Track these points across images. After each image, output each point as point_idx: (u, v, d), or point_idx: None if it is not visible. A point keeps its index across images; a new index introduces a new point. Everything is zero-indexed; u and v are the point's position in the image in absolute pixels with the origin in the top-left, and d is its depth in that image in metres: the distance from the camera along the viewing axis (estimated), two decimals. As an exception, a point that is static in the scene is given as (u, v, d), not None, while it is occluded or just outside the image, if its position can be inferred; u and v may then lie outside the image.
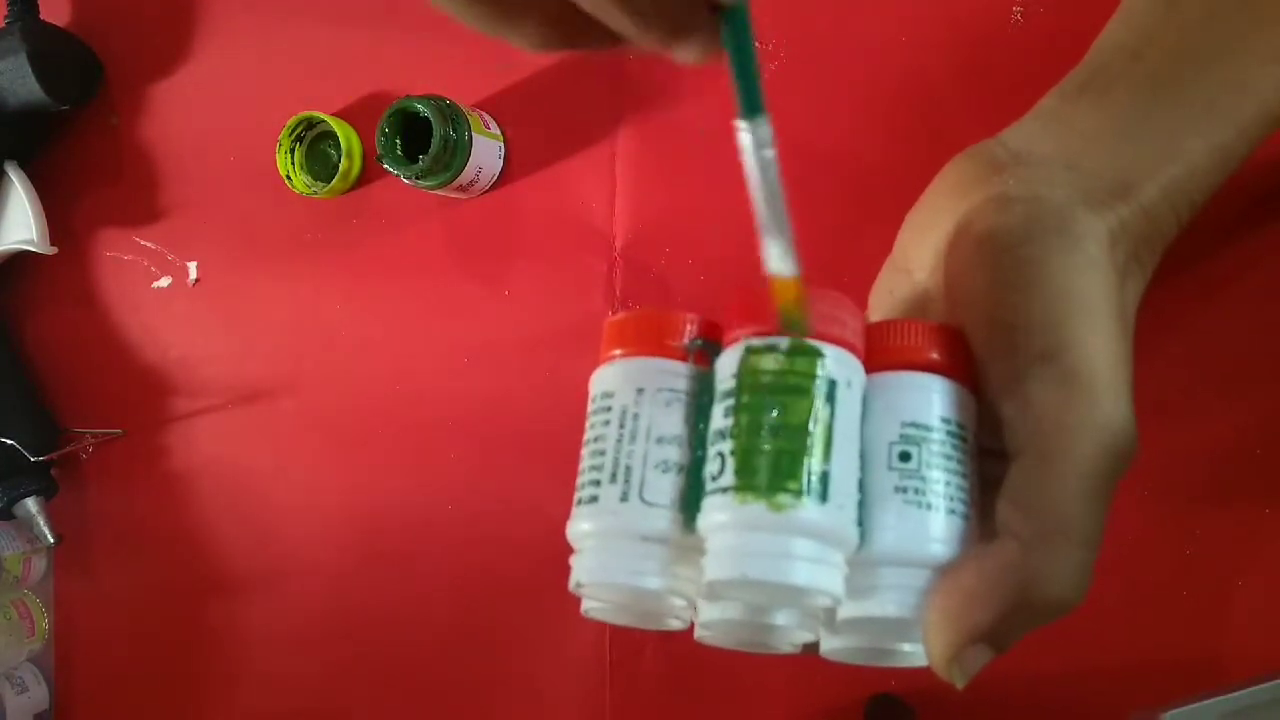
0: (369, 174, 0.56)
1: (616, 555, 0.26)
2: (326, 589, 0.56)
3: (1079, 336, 0.25)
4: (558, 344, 0.51)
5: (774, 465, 0.24)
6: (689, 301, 0.48)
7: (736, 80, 0.22)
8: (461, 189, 0.51)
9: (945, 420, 0.26)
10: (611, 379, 0.27)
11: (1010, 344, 0.26)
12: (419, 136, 0.49)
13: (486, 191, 0.53)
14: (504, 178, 0.53)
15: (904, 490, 0.25)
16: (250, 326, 0.59)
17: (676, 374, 0.27)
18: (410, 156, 0.49)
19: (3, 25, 0.60)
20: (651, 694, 0.49)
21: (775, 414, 0.25)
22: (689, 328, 0.27)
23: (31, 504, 0.60)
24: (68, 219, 0.64)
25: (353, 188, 0.56)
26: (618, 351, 0.28)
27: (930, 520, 0.25)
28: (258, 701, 0.59)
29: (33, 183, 0.61)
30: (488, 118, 0.52)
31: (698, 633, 0.29)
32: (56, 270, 0.64)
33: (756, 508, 0.24)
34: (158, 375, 0.62)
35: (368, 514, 0.56)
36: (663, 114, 0.49)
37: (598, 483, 0.26)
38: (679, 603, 0.27)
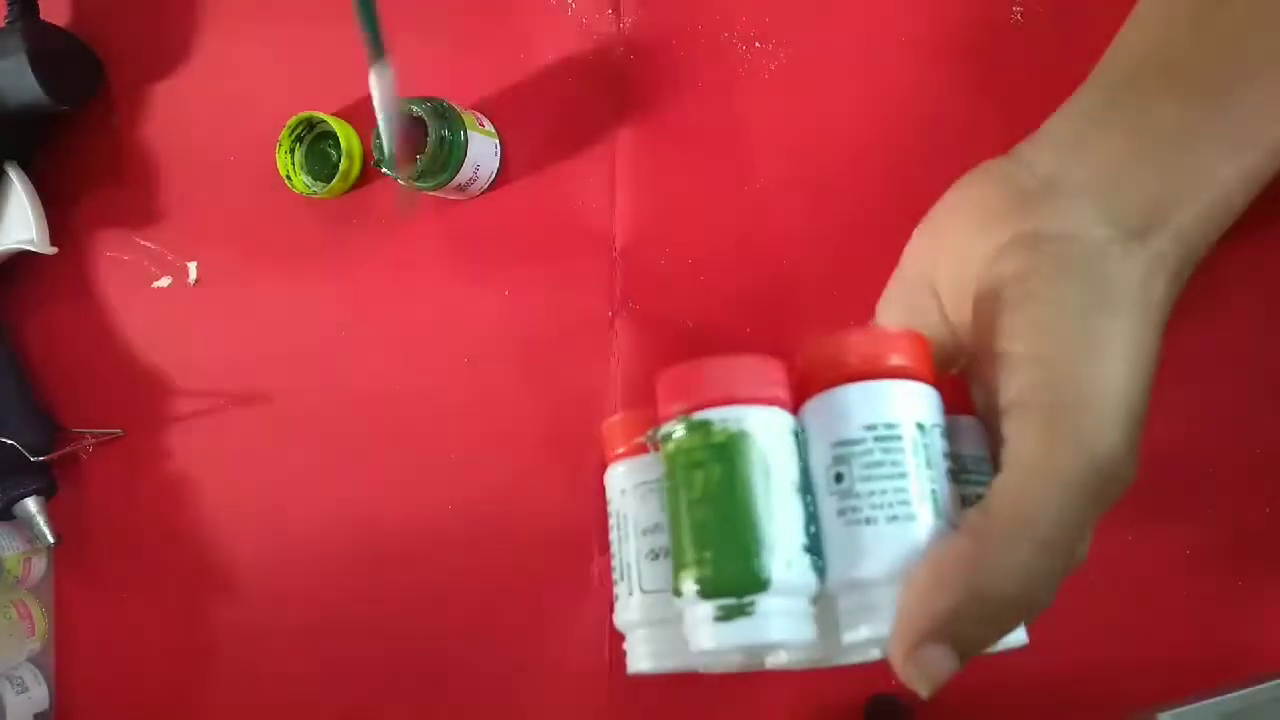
0: (369, 174, 0.56)
1: (642, 644, 0.29)
2: (326, 589, 0.56)
3: (1089, 374, 0.25)
4: (558, 344, 0.51)
5: (694, 540, 0.25)
6: (689, 302, 0.48)
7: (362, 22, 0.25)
8: (460, 189, 0.51)
9: (869, 427, 0.26)
10: (610, 485, 0.30)
11: (1023, 373, 0.26)
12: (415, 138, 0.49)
13: (485, 191, 0.53)
14: (502, 177, 0.53)
15: (843, 513, 0.25)
16: (250, 326, 0.59)
17: (648, 466, 0.29)
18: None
19: (3, 25, 0.60)
20: (651, 694, 0.49)
21: (687, 493, 0.26)
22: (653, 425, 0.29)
23: (31, 504, 0.60)
24: (68, 219, 0.64)
25: (353, 188, 0.56)
26: (615, 453, 0.30)
27: (868, 535, 0.25)
28: (257, 701, 0.58)
29: (33, 183, 0.61)
30: (482, 116, 0.52)
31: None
32: (56, 270, 0.64)
33: (688, 585, 0.25)
34: (158, 375, 0.62)
35: (367, 514, 0.56)
36: (663, 114, 0.49)
37: (616, 582, 0.30)
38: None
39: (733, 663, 0.28)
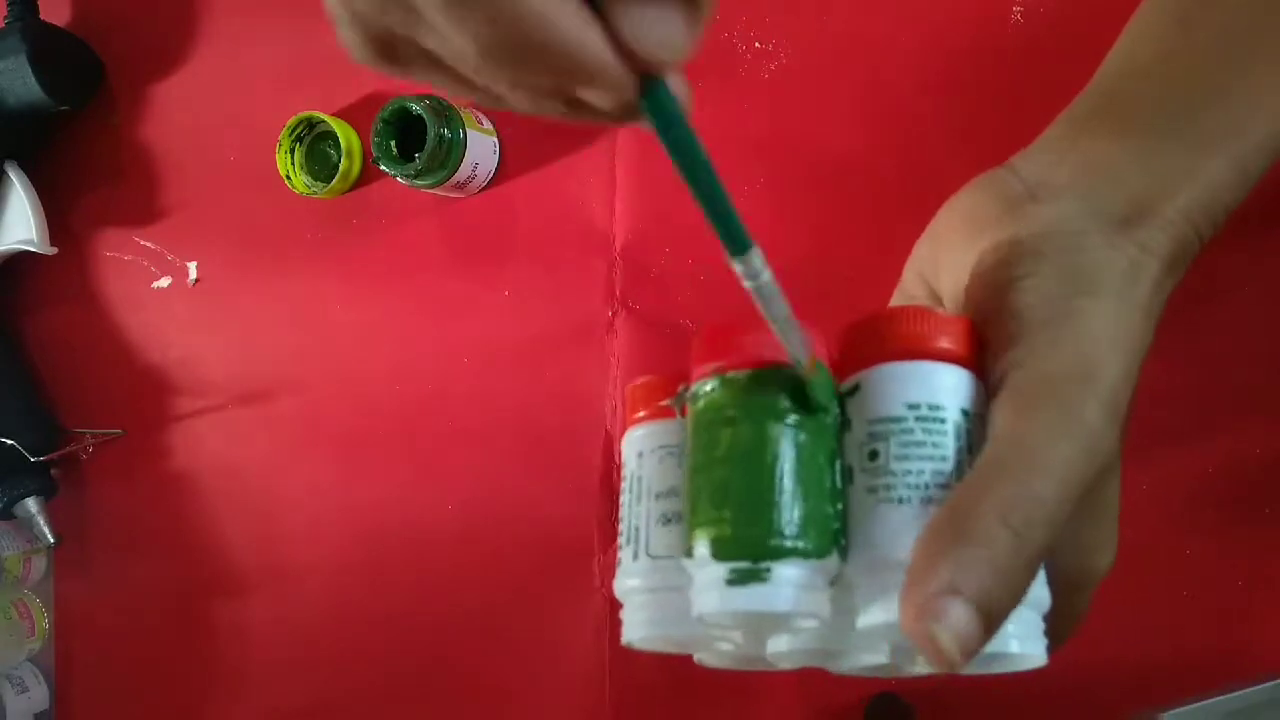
0: (369, 174, 0.56)
1: (640, 611, 0.27)
2: (326, 589, 0.56)
3: (1068, 351, 0.25)
4: (558, 344, 0.51)
5: (712, 499, 0.24)
6: (689, 302, 0.48)
7: (706, 213, 0.22)
8: (459, 186, 0.51)
9: (913, 406, 0.24)
10: (628, 448, 0.29)
11: (1003, 356, 0.25)
12: (414, 136, 0.50)
13: (484, 189, 0.53)
14: (501, 175, 0.53)
15: (874, 490, 0.24)
16: (250, 326, 0.59)
17: (669, 431, 0.28)
18: (406, 156, 0.49)
19: (3, 25, 0.60)
20: (651, 694, 0.49)
21: (711, 451, 0.25)
22: (681, 385, 0.27)
23: (31, 504, 0.60)
24: (68, 219, 0.64)
25: (352, 188, 0.56)
26: (636, 416, 0.29)
27: (898, 515, 0.24)
28: (257, 702, 0.58)
29: (33, 183, 0.61)
30: (480, 114, 0.52)
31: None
32: (56, 270, 0.64)
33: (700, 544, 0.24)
34: (158, 375, 0.62)
35: (368, 514, 0.56)
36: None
37: (621, 547, 0.28)
38: (719, 643, 0.28)
39: (734, 640, 0.27)
